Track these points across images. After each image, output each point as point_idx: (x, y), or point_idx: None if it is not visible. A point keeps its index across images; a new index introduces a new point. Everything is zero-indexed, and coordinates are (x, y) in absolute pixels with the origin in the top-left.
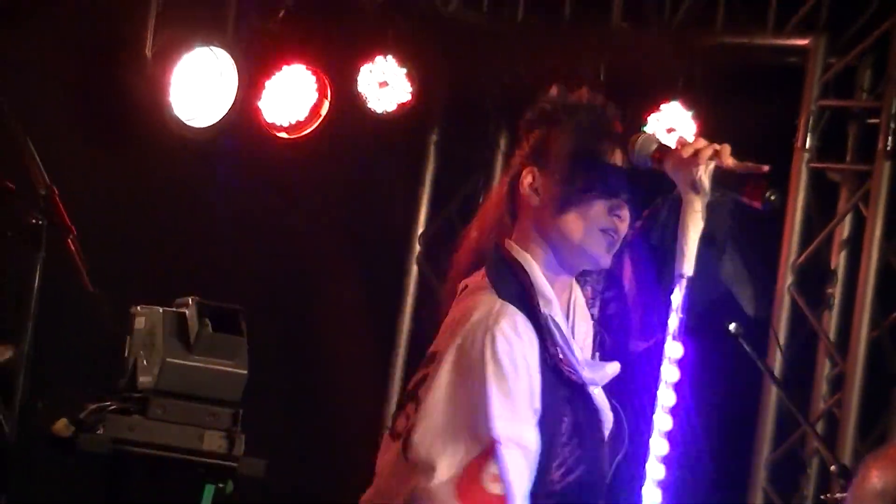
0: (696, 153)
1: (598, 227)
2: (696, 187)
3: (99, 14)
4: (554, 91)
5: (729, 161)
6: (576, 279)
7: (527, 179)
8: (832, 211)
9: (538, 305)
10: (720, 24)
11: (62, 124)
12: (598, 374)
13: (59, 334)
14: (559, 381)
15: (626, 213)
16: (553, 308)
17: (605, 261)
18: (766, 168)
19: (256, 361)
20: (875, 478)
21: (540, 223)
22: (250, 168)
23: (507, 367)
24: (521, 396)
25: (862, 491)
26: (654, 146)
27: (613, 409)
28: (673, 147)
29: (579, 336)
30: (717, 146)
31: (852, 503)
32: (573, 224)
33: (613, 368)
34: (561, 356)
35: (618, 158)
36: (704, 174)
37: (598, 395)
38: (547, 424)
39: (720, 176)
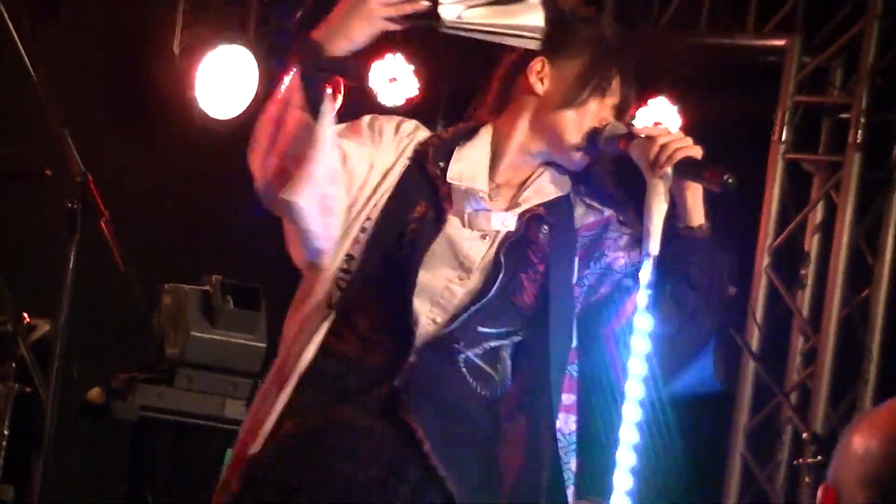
0: (661, 144)
1: (586, 128)
2: (661, 175)
3: (130, 12)
4: (570, 1)
5: (690, 151)
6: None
7: (535, 66)
8: (806, 198)
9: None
10: (703, 25)
11: (96, 115)
12: (468, 202)
13: (93, 310)
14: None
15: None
16: (468, 156)
17: (578, 162)
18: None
19: (274, 335)
20: (857, 444)
21: (536, 111)
22: None
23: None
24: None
25: (845, 457)
26: (622, 132)
27: (496, 265)
28: (636, 136)
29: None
30: (689, 143)
31: (836, 469)
32: (570, 121)
33: (495, 221)
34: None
35: (619, 81)
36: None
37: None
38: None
39: (684, 163)
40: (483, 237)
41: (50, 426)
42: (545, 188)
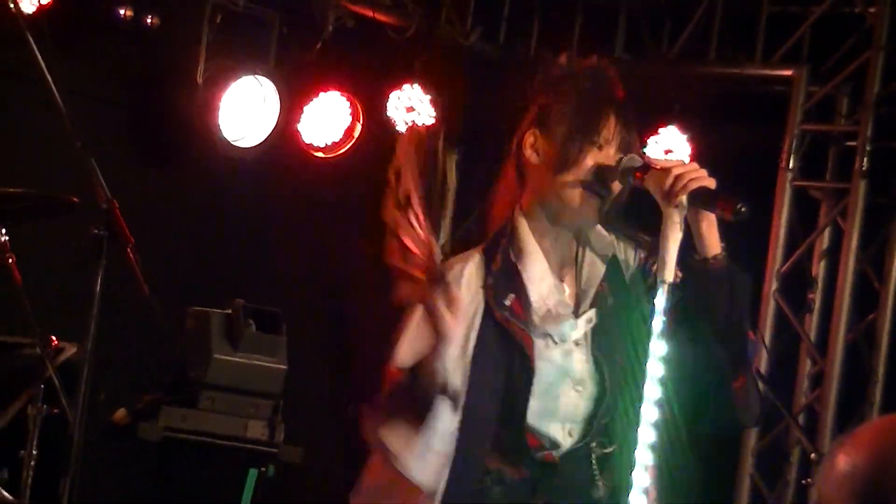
0: (676, 175)
1: (593, 170)
2: (676, 204)
3: (155, 43)
4: (563, 59)
5: (703, 181)
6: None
7: (529, 140)
8: (813, 224)
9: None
10: (712, 55)
11: (122, 144)
12: (557, 326)
13: (119, 334)
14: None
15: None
16: (526, 259)
17: (594, 218)
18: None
19: (294, 358)
20: (842, 462)
21: (539, 182)
22: (290, 184)
23: None
24: None
25: (830, 475)
26: (637, 165)
27: (597, 364)
28: (652, 167)
29: (579, 286)
30: (703, 174)
31: (821, 488)
32: (569, 184)
33: (581, 326)
34: (503, 313)
35: (610, 125)
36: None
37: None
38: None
39: (698, 193)
40: (577, 344)
41: (77, 447)
42: (596, 262)
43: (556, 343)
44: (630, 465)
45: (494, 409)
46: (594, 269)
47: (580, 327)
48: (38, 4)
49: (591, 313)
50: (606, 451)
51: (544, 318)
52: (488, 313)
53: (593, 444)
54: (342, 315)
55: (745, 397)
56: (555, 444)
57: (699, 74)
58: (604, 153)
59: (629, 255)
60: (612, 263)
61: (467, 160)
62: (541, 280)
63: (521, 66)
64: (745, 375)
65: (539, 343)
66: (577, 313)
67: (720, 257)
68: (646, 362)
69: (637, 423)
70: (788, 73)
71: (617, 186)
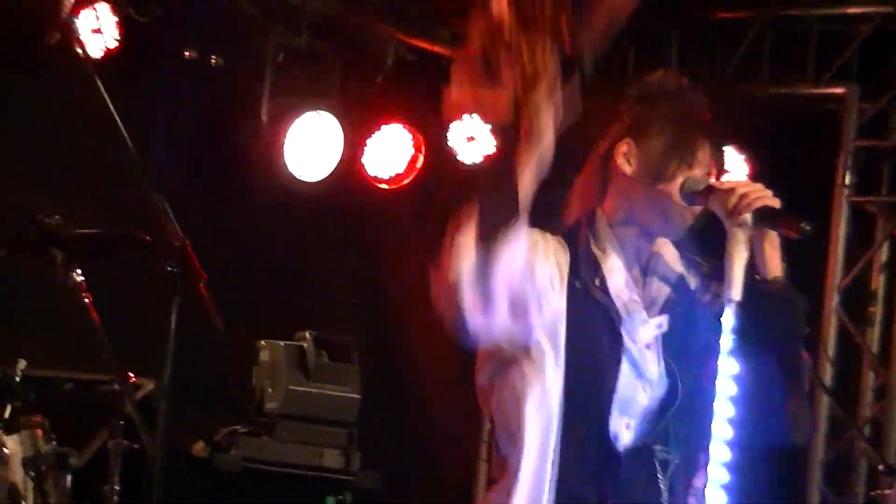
0: (740, 194)
1: (680, 203)
2: (741, 223)
3: (220, 83)
4: (658, 74)
5: (768, 200)
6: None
7: (622, 148)
8: (871, 239)
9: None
10: (765, 76)
11: (191, 182)
12: (632, 321)
13: (194, 368)
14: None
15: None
16: (605, 255)
17: (678, 232)
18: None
19: (367, 386)
20: None
21: (628, 191)
22: (356, 216)
23: None
24: None
25: None
26: (702, 186)
27: (670, 371)
28: (717, 187)
29: (647, 293)
30: (767, 193)
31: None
32: (660, 193)
33: (651, 327)
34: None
35: (704, 149)
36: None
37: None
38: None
39: (761, 213)
40: (648, 346)
41: (156, 480)
42: (666, 275)
43: (629, 338)
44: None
45: (584, 394)
46: (665, 278)
47: (650, 329)
48: (105, 49)
49: (662, 318)
50: (668, 456)
51: (625, 308)
52: (574, 290)
53: (656, 447)
54: (412, 342)
55: (798, 417)
56: (615, 436)
57: (752, 96)
58: (694, 174)
59: (690, 275)
60: (681, 279)
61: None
62: (618, 273)
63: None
64: (799, 396)
65: (619, 332)
66: (648, 315)
67: (781, 279)
68: (713, 377)
69: (700, 436)
70: (840, 91)
71: (691, 219)
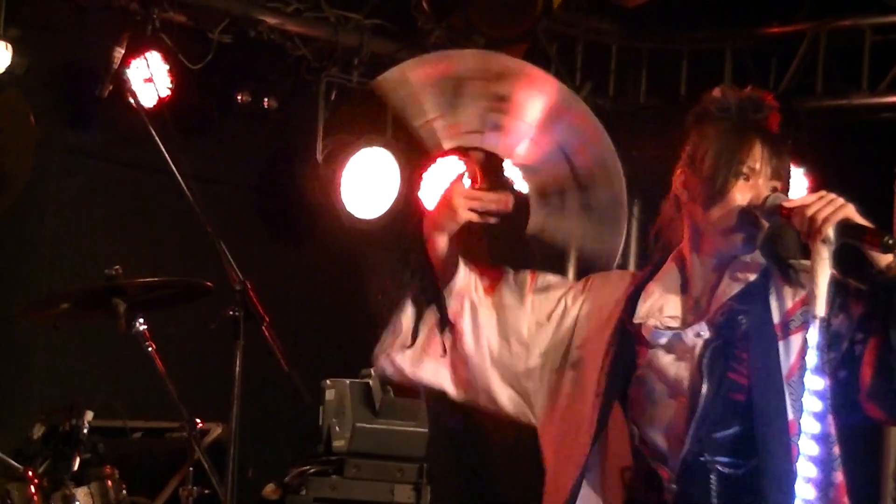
0: (811, 216)
1: (738, 215)
2: (822, 240)
3: (274, 125)
4: (716, 92)
5: (850, 215)
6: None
7: (679, 179)
8: None
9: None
10: (820, 88)
11: (250, 225)
12: (657, 334)
13: (261, 411)
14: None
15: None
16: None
17: (750, 249)
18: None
19: (436, 420)
20: None
21: (691, 218)
22: (415, 249)
23: None
24: None
25: None
26: (782, 203)
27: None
28: (798, 202)
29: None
30: (838, 205)
31: None
32: (717, 218)
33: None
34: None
35: (756, 153)
36: (830, 228)
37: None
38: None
39: (843, 229)
40: (680, 358)
41: None
42: (733, 283)
43: (665, 352)
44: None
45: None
46: (728, 287)
47: (688, 337)
48: (157, 97)
49: (701, 327)
50: (732, 470)
51: (648, 323)
52: (620, 326)
53: (709, 459)
54: None
55: None
56: (661, 455)
57: (809, 108)
58: (751, 184)
59: (788, 292)
60: (756, 287)
61: None
62: (662, 294)
63: (632, 116)
64: None
65: (651, 352)
66: (685, 325)
67: (894, 264)
68: (781, 386)
69: (777, 445)
70: (895, 99)
71: (763, 231)
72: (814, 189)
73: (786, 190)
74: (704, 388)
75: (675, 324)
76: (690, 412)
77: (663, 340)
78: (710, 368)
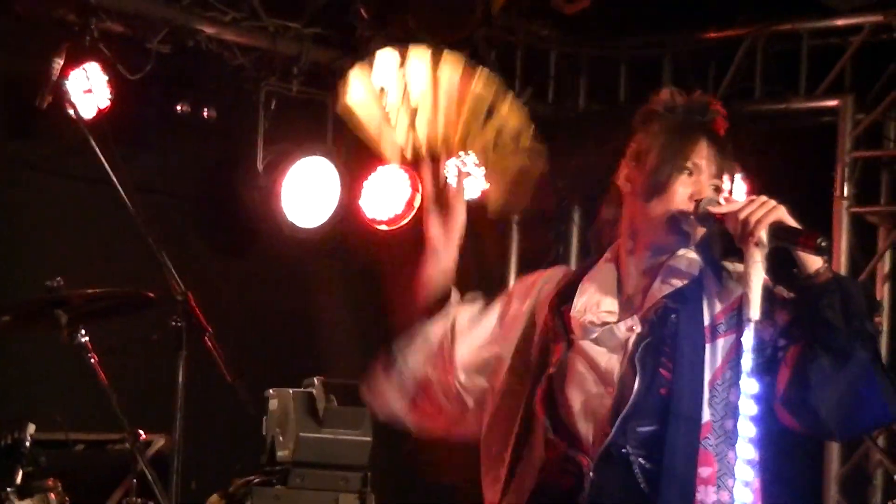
0: (743, 219)
1: (677, 212)
2: (755, 242)
3: (214, 135)
4: (664, 94)
5: (782, 217)
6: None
7: (623, 172)
8: (873, 249)
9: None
10: (758, 93)
11: (191, 236)
12: (588, 330)
13: (205, 421)
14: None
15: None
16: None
17: (686, 242)
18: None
19: (378, 429)
20: None
21: (631, 211)
22: (357, 259)
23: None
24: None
25: None
26: (716, 205)
27: (632, 368)
28: (729, 207)
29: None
30: (770, 207)
31: None
32: (657, 210)
33: (622, 330)
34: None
35: (702, 151)
36: (763, 230)
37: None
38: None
39: (776, 232)
40: (612, 350)
41: None
42: (668, 281)
43: (595, 344)
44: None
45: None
46: (664, 284)
47: (620, 330)
48: (97, 108)
49: (634, 321)
50: (652, 465)
51: (581, 319)
52: (552, 314)
53: (631, 451)
54: None
55: (888, 388)
56: (579, 443)
57: (747, 112)
58: (694, 179)
59: (710, 287)
60: (690, 288)
61: (527, 219)
62: (598, 290)
63: (572, 123)
64: (882, 368)
65: (582, 343)
66: (620, 320)
67: (823, 269)
68: (700, 388)
69: (682, 444)
70: (834, 103)
71: (700, 230)
72: (752, 193)
73: (729, 192)
74: (637, 383)
75: (611, 318)
76: (618, 404)
77: (595, 334)
78: (642, 363)
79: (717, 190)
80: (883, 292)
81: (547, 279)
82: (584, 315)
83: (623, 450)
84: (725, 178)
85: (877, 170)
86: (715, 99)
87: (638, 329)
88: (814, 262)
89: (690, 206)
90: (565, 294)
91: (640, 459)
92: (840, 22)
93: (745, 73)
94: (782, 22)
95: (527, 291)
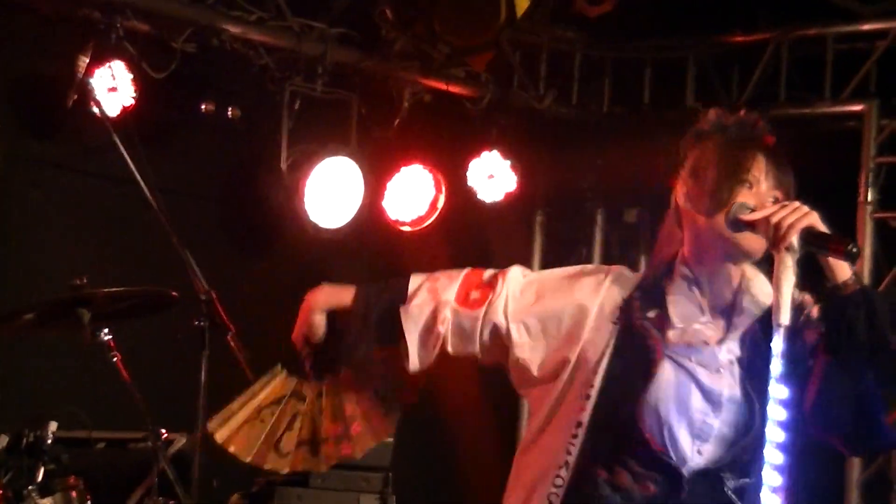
0: (775, 224)
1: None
2: (786, 248)
3: (238, 135)
4: (712, 114)
5: (814, 223)
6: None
7: (681, 189)
8: None
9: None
10: (783, 97)
11: (215, 235)
12: (689, 349)
13: None
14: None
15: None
16: (672, 297)
17: (754, 255)
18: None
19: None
20: None
21: (695, 228)
22: (380, 259)
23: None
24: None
25: None
26: (747, 211)
27: (747, 397)
28: (761, 213)
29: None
30: (802, 213)
31: None
32: (722, 224)
33: (723, 353)
34: (644, 321)
35: (759, 164)
36: (794, 236)
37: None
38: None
39: (807, 237)
40: (717, 370)
41: None
42: (752, 305)
43: (698, 364)
44: None
45: (616, 419)
46: (750, 307)
47: (722, 355)
48: (121, 107)
49: (734, 345)
50: (742, 482)
51: (681, 335)
52: (624, 322)
53: (726, 474)
54: (443, 382)
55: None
56: (682, 458)
57: (771, 117)
58: (754, 192)
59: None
60: (769, 312)
61: (550, 220)
62: (683, 305)
63: (596, 125)
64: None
65: (672, 357)
66: (720, 342)
67: (852, 281)
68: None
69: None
70: (859, 108)
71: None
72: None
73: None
74: (753, 411)
75: (707, 337)
76: (730, 426)
77: (698, 354)
78: (756, 391)
79: (776, 202)
80: None
81: (616, 278)
82: (685, 333)
83: (722, 474)
84: (784, 188)
85: None
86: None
87: (737, 353)
88: (843, 273)
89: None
90: (649, 303)
91: (730, 475)
92: (865, 27)
93: (769, 78)
94: (807, 26)
95: (596, 288)
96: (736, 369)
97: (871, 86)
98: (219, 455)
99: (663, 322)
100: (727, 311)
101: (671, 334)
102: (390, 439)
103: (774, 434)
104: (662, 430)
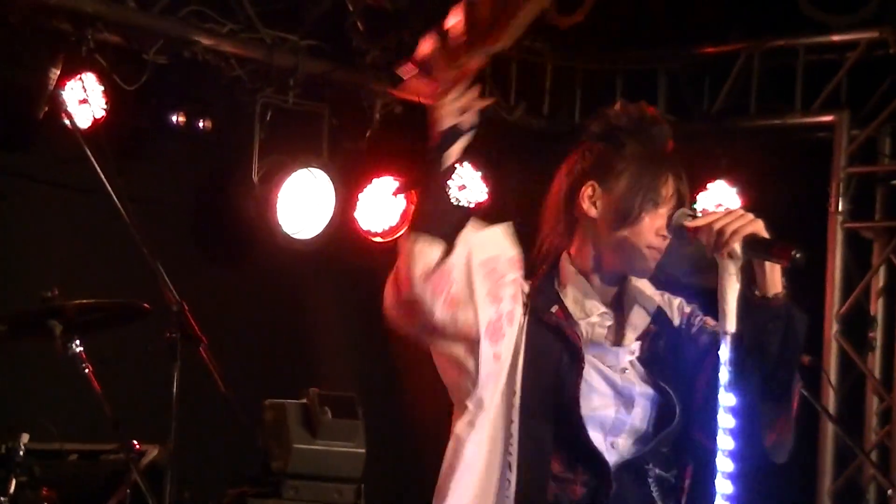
0: (718, 229)
1: (645, 245)
2: (729, 254)
3: (209, 146)
4: (618, 107)
5: (757, 230)
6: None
7: (587, 192)
8: (867, 264)
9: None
10: (753, 108)
11: (186, 247)
12: (595, 346)
13: (199, 432)
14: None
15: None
16: (569, 298)
17: (648, 273)
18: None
19: (371, 441)
20: None
21: (594, 235)
22: (352, 271)
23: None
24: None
25: None
26: (688, 220)
27: (663, 392)
28: (705, 220)
29: (625, 321)
30: (747, 220)
31: None
32: (625, 240)
33: (626, 352)
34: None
35: (668, 184)
36: (737, 242)
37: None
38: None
39: (751, 243)
40: (623, 370)
41: None
42: (642, 309)
43: (600, 360)
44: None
45: (551, 411)
46: (644, 308)
47: (625, 353)
48: (93, 119)
49: (636, 344)
50: (667, 474)
51: (588, 332)
52: (533, 318)
53: (649, 465)
54: (415, 394)
55: (781, 437)
56: (592, 453)
57: (742, 128)
58: (660, 212)
59: (673, 306)
60: (659, 312)
61: (521, 230)
62: (579, 305)
63: (566, 137)
64: (786, 415)
65: (588, 359)
66: (620, 343)
67: (780, 296)
68: (701, 403)
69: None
70: (829, 118)
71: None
72: (746, 208)
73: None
74: (673, 405)
75: (607, 335)
76: (648, 423)
77: (603, 352)
78: (668, 383)
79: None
80: (877, 307)
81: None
82: (591, 330)
83: (647, 465)
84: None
85: (871, 185)
86: (653, 108)
87: (637, 353)
88: (775, 286)
89: (657, 241)
90: (548, 300)
91: (656, 470)
92: (836, 38)
93: (740, 89)
94: (778, 37)
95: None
96: (640, 367)
97: (841, 96)
98: (191, 467)
99: (567, 318)
100: (612, 308)
101: (572, 333)
102: (362, 450)
103: (724, 442)
104: (579, 434)
